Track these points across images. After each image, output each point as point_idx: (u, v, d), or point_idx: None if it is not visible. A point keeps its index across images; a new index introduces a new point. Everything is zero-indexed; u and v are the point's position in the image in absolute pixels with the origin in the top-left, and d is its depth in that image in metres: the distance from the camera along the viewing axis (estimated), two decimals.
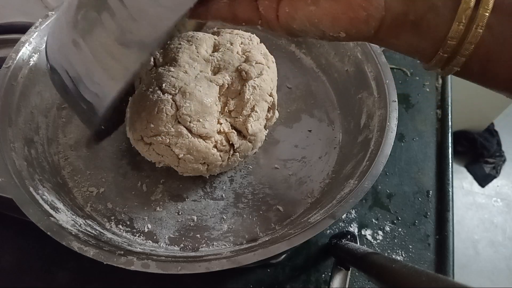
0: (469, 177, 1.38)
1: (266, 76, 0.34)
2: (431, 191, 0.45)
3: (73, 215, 0.30)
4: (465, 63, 0.20)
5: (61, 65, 0.25)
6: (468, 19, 0.18)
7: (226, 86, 0.33)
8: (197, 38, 0.35)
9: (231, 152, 0.33)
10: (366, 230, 0.42)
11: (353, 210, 0.43)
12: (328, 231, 0.41)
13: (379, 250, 0.41)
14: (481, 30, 0.18)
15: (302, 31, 0.22)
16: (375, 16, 0.20)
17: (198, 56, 0.34)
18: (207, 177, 0.37)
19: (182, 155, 0.31)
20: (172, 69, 0.33)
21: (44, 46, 0.35)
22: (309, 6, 0.20)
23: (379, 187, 0.45)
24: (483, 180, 1.37)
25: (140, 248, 0.30)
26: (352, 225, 0.42)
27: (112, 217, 0.34)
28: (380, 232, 0.42)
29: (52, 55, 0.26)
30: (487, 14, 0.18)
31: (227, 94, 0.33)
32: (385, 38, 0.21)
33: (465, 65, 0.20)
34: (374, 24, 0.20)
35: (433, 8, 0.19)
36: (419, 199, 0.44)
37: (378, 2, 0.19)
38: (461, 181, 1.37)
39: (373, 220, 0.42)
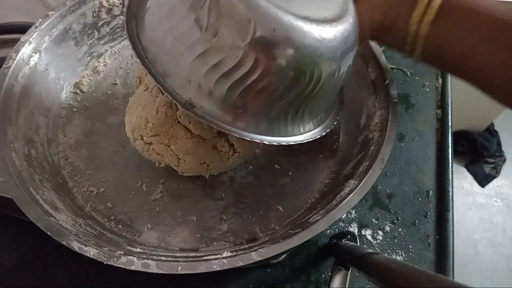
0: (469, 177, 1.38)
1: None
2: (431, 191, 0.45)
3: (73, 215, 0.30)
4: (424, 52, 0.28)
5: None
6: (418, 22, 0.26)
7: None
8: None
9: (231, 152, 0.33)
10: (366, 230, 0.42)
11: (353, 210, 0.43)
12: (328, 231, 0.41)
13: (379, 250, 0.41)
14: (425, 31, 0.27)
15: None
16: (363, 29, 0.28)
17: None
18: (207, 177, 0.37)
19: (182, 155, 0.31)
20: None
21: (44, 46, 0.36)
22: None
23: (379, 187, 0.45)
24: (483, 180, 1.37)
25: (140, 248, 0.30)
26: (352, 225, 0.42)
27: (112, 217, 0.34)
28: (380, 232, 0.42)
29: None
30: (431, 18, 0.26)
31: None
32: (374, 38, 0.31)
33: (426, 55, 0.28)
34: (365, 33, 0.29)
35: (399, 16, 0.27)
36: (419, 199, 0.44)
37: (362, 25, 0.28)
38: (461, 181, 1.37)
39: (373, 220, 0.42)
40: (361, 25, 0.28)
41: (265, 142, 0.27)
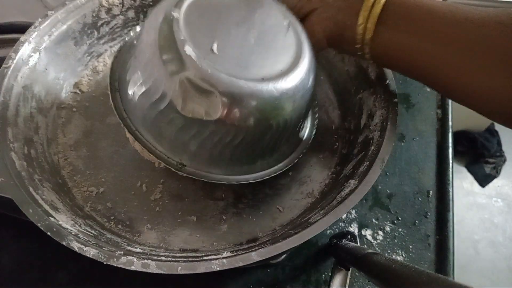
0: (469, 177, 1.38)
1: None
2: (431, 191, 0.45)
3: (73, 215, 0.30)
4: (374, 57, 0.30)
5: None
6: (363, 29, 0.28)
7: None
8: None
9: None
10: (366, 230, 0.42)
11: (353, 210, 0.43)
12: (328, 231, 0.41)
13: (379, 250, 0.41)
14: (368, 40, 0.28)
15: None
16: (319, 40, 0.31)
17: None
18: None
19: None
20: None
21: (43, 46, 0.35)
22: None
23: (379, 187, 0.45)
24: (483, 180, 1.37)
25: (140, 248, 0.30)
26: (352, 225, 0.42)
27: (112, 217, 0.34)
28: (380, 232, 0.42)
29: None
30: (373, 25, 0.28)
31: None
32: (331, 47, 0.32)
33: (376, 59, 0.30)
34: (322, 43, 0.31)
35: (346, 25, 0.29)
36: (419, 199, 0.44)
37: (317, 36, 0.31)
38: (461, 181, 1.37)
39: (373, 220, 0.42)
40: (315, 38, 0.31)
41: (251, 181, 0.32)
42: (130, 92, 0.29)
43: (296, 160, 0.35)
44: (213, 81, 0.25)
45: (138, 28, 0.37)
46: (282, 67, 0.28)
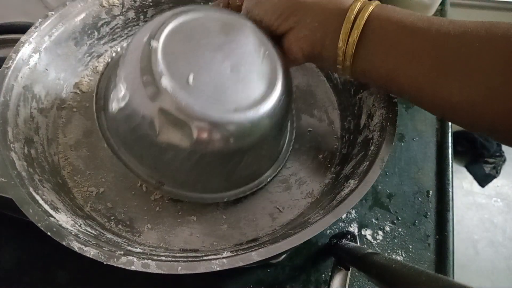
0: (469, 177, 1.39)
1: None
2: (431, 191, 0.45)
3: (73, 215, 0.30)
4: (354, 76, 0.29)
5: None
6: (343, 51, 0.28)
7: None
8: None
9: None
10: (366, 230, 0.42)
11: (353, 210, 0.43)
12: (328, 231, 0.41)
13: (379, 250, 0.41)
14: (348, 62, 0.28)
15: None
16: (297, 58, 0.31)
17: None
18: None
19: None
20: None
21: (44, 46, 0.36)
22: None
23: (379, 187, 0.45)
24: (483, 180, 1.37)
25: (140, 248, 0.30)
26: (352, 225, 0.42)
27: (112, 217, 0.34)
28: (380, 232, 0.42)
29: None
30: (353, 48, 0.27)
31: None
32: (312, 62, 0.33)
33: (357, 77, 0.30)
34: (300, 61, 0.32)
35: (324, 46, 0.29)
36: (419, 199, 0.44)
37: (294, 55, 0.31)
38: (461, 181, 1.37)
39: (373, 220, 0.42)
40: (292, 55, 0.31)
41: (225, 200, 0.34)
42: (113, 112, 0.31)
43: (270, 178, 0.36)
44: (187, 112, 0.26)
45: (125, 44, 0.37)
46: (255, 96, 0.29)
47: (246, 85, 0.29)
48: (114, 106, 0.31)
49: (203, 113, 0.27)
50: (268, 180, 0.36)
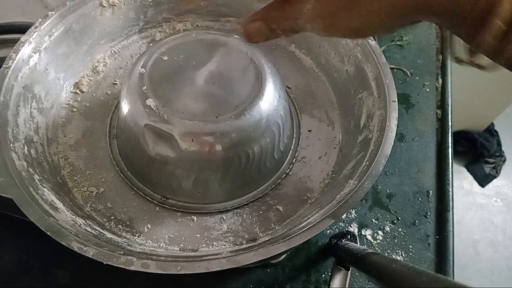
0: (469, 177, 1.38)
1: None
2: (431, 191, 0.45)
3: (73, 215, 0.30)
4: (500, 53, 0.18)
5: None
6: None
7: None
8: None
9: None
10: (366, 230, 0.42)
11: (353, 210, 0.43)
12: (328, 231, 0.41)
13: (379, 250, 0.41)
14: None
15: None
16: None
17: None
18: None
19: None
20: None
21: (44, 46, 0.36)
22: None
23: (379, 187, 0.45)
24: (483, 180, 1.37)
25: (140, 248, 0.30)
26: (352, 225, 0.42)
27: (112, 217, 0.34)
28: (380, 232, 0.42)
29: None
30: None
31: None
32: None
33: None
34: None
35: None
36: (419, 199, 0.44)
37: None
38: (461, 181, 1.37)
39: (373, 220, 0.42)
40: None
41: (228, 208, 0.35)
42: (120, 140, 0.36)
43: (269, 189, 0.37)
44: (170, 124, 0.29)
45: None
46: (238, 103, 0.30)
47: (228, 95, 0.31)
48: (119, 131, 0.36)
49: (185, 124, 0.29)
50: (268, 190, 0.36)
